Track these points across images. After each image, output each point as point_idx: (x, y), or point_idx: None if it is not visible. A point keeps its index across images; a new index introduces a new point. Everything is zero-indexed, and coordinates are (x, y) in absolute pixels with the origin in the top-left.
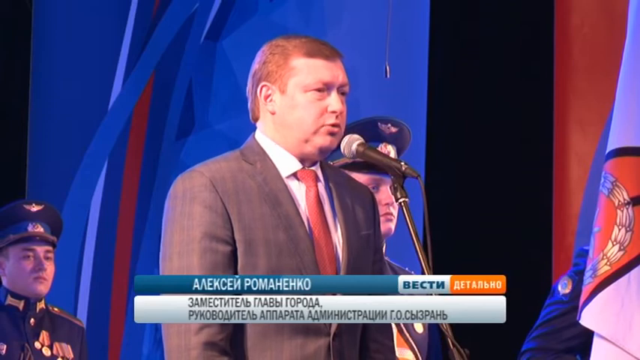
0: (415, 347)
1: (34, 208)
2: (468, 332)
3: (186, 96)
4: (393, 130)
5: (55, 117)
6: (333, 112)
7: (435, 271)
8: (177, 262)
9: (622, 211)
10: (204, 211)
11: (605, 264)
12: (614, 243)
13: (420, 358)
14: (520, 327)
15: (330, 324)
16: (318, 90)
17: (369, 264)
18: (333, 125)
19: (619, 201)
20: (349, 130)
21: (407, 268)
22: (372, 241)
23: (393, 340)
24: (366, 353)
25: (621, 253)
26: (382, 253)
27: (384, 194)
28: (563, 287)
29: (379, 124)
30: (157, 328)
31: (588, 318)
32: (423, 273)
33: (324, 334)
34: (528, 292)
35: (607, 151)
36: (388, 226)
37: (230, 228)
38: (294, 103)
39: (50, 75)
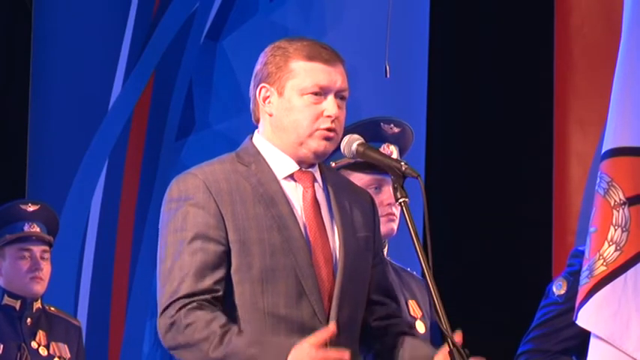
0: None
1: (31, 208)
2: (468, 332)
3: (187, 96)
4: (396, 130)
5: (55, 117)
6: (329, 116)
7: (435, 272)
8: (169, 262)
9: (618, 212)
10: (198, 212)
11: (602, 264)
12: (611, 243)
13: None
14: (520, 327)
15: (327, 323)
16: (315, 94)
17: (366, 266)
18: (328, 129)
19: (615, 201)
20: (351, 130)
21: (408, 269)
22: (371, 244)
23: (398, 302)
24: (371, 317)
25: (617, 253)
26: (383, 255)
27: (386, 194)
28: (558, 288)
29: (382, 124)
30: (157, 328)
31: (585, 318)
32: (423, 273)
33: None
34: (528, 292)
35: (602, 152)
36: (390, 226)
37: (223, 228)
38: (290, 106)
39: (50, 75)
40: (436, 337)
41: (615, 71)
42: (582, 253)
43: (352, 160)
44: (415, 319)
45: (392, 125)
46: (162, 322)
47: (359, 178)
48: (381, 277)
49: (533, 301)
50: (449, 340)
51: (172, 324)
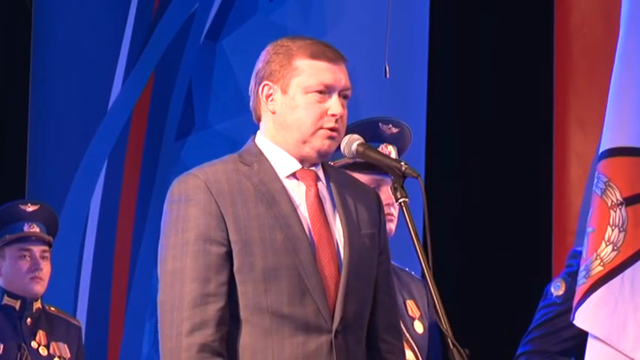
0: (415, 347)
1: (30, 208)
2: (468, 332)
3: (186, 96)
4: (394, 130)
5: (55, 117)
6: (333, 115)
7: (435, 272)
8: (171, 264)
9: (615, 212)
10: (199, 214)
11: (599, 264)
12: (608, 243)
13: (420, 358)
14: (520, 327)
15: (332, 321)
16: (320, 92)
17: (372, 263)
18: (332, 129)
19: (612, 201)
20: (350, 130)
21: (407, 269)
22: (377, 241)
23: (402, 341)
24: (378, 354)
25: (615, 253)
26: (388, 253)
27: (385, 195)
28: (556, 289)
29: (380, 124)
30: (156, 328)
31: (582, 318)
32: (422, 273)
33: (325, 332)
34: (528, 292)
35: (600, 152)
36: (389, 226)
37: (225, 229)
38: (294, 104)
39: (50, 75)
40: (435, 337)
41: (613, 71)
42: (580, 253)
43: (351, 160)
44: (413, 319)
45: (390, 125)
46: (165, 346)
47: (357, 178)
48: (386, 290)
49: (533, 301)
50: (449, 339)
51: None
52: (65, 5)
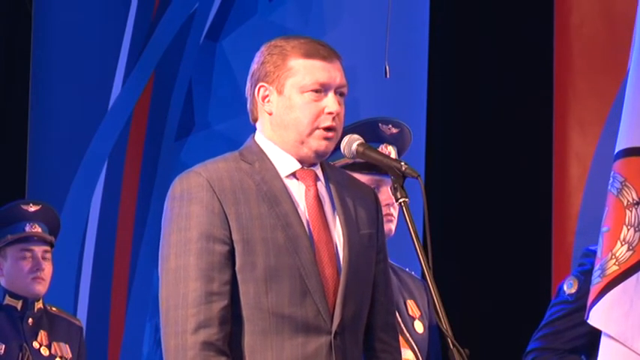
0: (415, 347)
1: (32, 208)
2: (468, 332)
3: (186, 96)
4: (394, 130)
5: (55, 117)
6: (330, 113)
7: (435, 272)
8: (174, 262)
9: (631, 211)
10: (202, 212)
11: (614, 264)
12: (623, 243)
13: (420, 358)
14: (520, 326)
15: (332, 322)
16: (315, 91)
17: (370, 263)
18: (329, 128)
19: (628, 201)
20: (349, 131)
21: (407, 269)
22: (375, 241)
23: (398, 341)
24: (373, 353)
25: (630, 252)
26: (386, 252)
27: (385, 195)
28: (569, 287)
29: (380, 124)
30: (157, 328)
31: (596, 317)
32: (422, 273)
33: (325, 333)
34: (528, 292)
35: (615, 152)
36: (388, 226)
37: (227, 228)
38: (290, 104)
39: (50, 75)
40: (435, 337)
41: (629, 71)
42: (593, 252)
43: (351, 161)
44: (413, 319)
45: (390, 126)
46: (170, 343)
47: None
48: (383, 290)
49: (534, 301)
50: (449, 339)
51: None
52: (65, 5)
